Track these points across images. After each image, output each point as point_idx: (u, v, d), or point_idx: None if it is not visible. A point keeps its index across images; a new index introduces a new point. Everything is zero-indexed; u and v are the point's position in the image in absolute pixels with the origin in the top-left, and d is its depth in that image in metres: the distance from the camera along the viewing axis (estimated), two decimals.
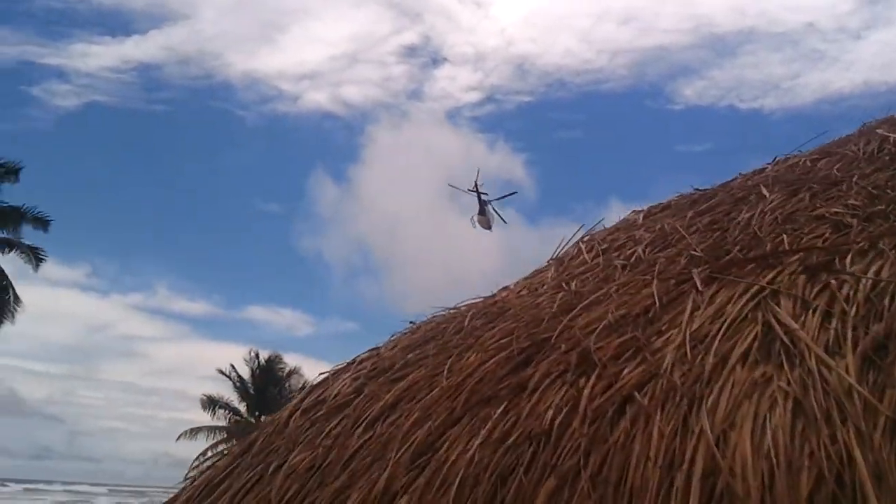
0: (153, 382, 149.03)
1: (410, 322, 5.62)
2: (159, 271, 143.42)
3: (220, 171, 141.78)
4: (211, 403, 57.55)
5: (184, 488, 4.67)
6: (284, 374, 59.90)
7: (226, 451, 6.55)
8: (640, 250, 5.02)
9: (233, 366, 58.88)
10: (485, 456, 3.25)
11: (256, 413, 58.76)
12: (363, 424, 3.91)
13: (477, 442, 3.35)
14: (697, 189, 6.51)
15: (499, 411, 3.48)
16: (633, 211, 6.57)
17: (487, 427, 3.40)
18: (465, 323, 4.65)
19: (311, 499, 3.61)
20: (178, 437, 56.59)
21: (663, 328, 3.70)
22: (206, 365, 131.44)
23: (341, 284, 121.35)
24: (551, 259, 6.08)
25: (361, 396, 4.21)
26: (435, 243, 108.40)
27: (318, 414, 4.28)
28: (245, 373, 58.98)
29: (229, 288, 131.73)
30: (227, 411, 58.23)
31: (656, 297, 3.96)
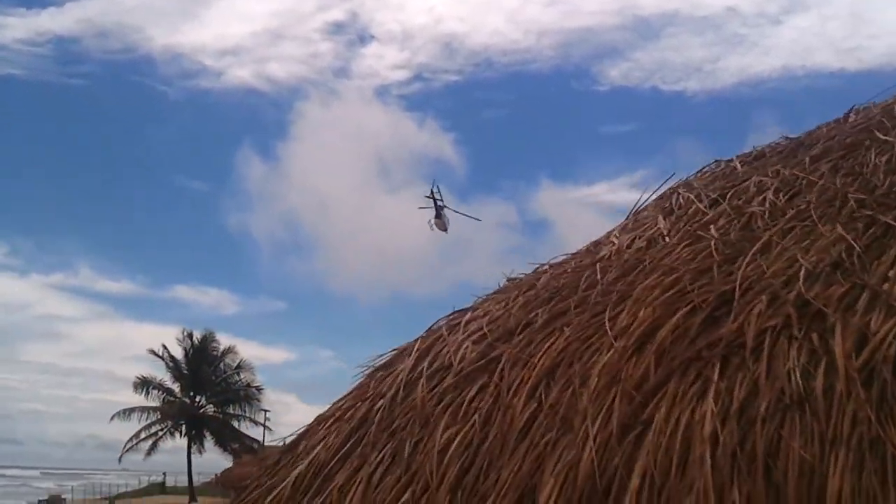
0: (75, 363, 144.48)
1: (509, 277, 4.94)
2: (80, 250, 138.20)
3: (143, 148, 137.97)
4: (144, 384, 55.85)
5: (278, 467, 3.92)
6: (219, 354, 58.44)
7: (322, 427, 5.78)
8: (770, 196, 4.42)
9: (165, 346, 57.20)
10: (731, 430, 2.61)
11: (191, 393, 57.28)
12: (522, 394, 3.22)
13: (706, 411, 2.70)
14: (785, 137, 5.94)
15: (718, 374, 2.84)
16: (714, 162, 5.98)
17: (715, 392, 2.76)
18: (598, 277, 3.98)
19: (486, 480, 2.92)
20: (112, 418, 54.85)
21: (889, 273, 3.12)
22: (131, 346, 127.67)
23: (270, 263, 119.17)
24: (636, 213, 5.44)
25: (499, 362, 3.52)
26: (365, 221, 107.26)
27: (446, 384, 3.57)
28: (178, 353, 57.26)
29: (154, 267, 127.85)
30: (160, 392, 56.54)
31: (855, 242, 3.38)
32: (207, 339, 58.31)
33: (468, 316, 4.26)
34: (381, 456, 3.31)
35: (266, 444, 56.51)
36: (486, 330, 3.90)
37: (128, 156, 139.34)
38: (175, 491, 66.15)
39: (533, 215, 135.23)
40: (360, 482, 3.24)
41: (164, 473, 70.95)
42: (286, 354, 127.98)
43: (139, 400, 56.06)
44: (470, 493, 2.93)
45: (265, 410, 59.72)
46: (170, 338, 58.35)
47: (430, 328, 4.46)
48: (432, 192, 47.29)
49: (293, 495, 3.43)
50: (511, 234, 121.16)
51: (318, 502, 3.08)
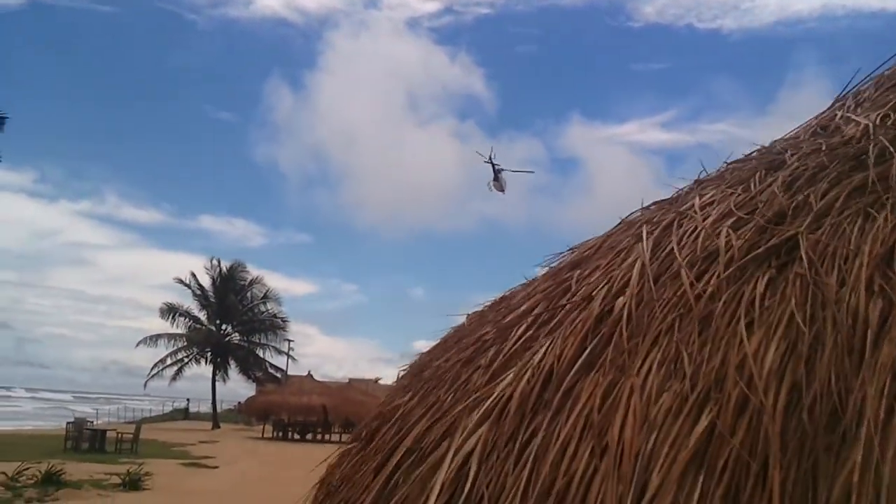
0: (102, 290, 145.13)
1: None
2: (108, 178, 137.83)
3: (171, 77, 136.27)
4: (170, 311, 55.55)
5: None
6: (246, 283, 57.95)
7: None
8: None
9: (193, 274, 56.69)
10: None
11: (217, 321, 57.01)
12: (857, 288, 2.15)
13: None
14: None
15: None
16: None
17: None
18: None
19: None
20: (138, 345, 54.69)
21: None
22: (157, 274, 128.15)
23: (296, 195, 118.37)
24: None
25: (789, 249, 2.45)
26: (392, 155, 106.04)
27: (710, 276, 2.52)
28: (205, 281, 56.81)
29: (180, 197, 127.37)
30: (187, 319, 56.23)
31: None
32: (235, 269, 57.85)
33: (697, 201, 3.15)
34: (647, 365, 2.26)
35: (289, 373, 56.62)
36: (738, 213, 2.81)
37: (156, 85, 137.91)
38: (198, 417, 66.61)
39: (562, 153, 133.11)
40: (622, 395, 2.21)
41: (188, 400, 71.49)
42: (309, 287, 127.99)
43: (165, 327, 56.04)
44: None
45: (289, 340, 59.51)
46: (195, 267, 58.11)
47: (623, 220, 3.38)
48: (490, 157, 50.67)
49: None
50: (539, 172, 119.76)
51: (561, 419, 2.04)
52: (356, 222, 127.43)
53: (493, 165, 50.77)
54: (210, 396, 57.96)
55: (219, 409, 57.99)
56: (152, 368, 54.46)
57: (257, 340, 58.18)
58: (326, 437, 45.88)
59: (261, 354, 58.30)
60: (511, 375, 2.15)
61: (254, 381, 57.27)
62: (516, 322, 2.64)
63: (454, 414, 2.27)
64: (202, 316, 57.28)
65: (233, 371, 57.76)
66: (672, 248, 2.40)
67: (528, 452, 1.90)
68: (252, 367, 57.52)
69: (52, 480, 17.69)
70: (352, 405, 46.87)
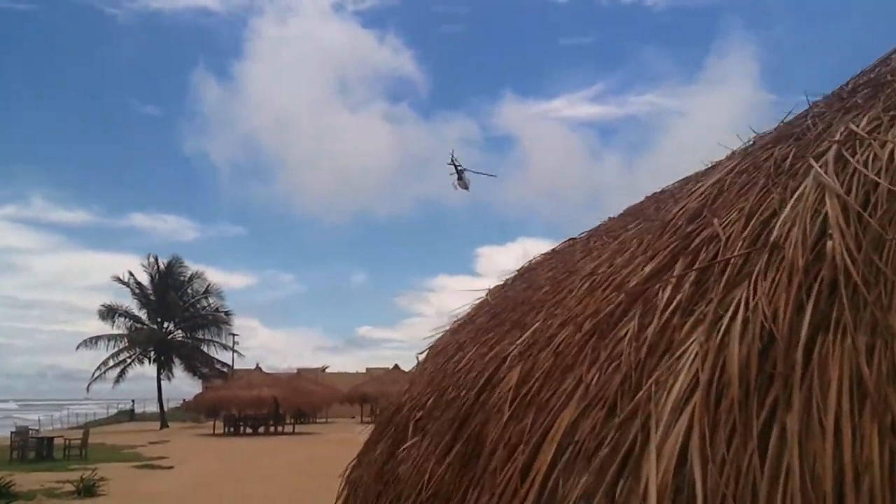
0: (34, 295, 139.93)
1: None
2: (32, 181, 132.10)
3: (93, 73, 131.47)
4: (110, 312, 53.72)
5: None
6: (186, 279, 56.37)
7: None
8: None
9: (131, 272, 54.89)
10: None
11: (158, 319, 55.39)
12: None
13: None
14: None
15: None
16: None
17: None
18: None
19: None
20: (78, 347, 52.82)
21: None
22: (89, 276, 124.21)
23: (228, 187, 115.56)
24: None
25: None
26: (326, 141, 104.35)
27: None
28: (144, 279, 55.08)
29: (109, 195, 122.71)
30: (127, 319, 54.48)
31: None
32: (174, 265, 56.21)
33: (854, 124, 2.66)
34: None
35: (236, 367, 55.39)
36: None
37: (77, 82, 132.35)
38: (144, 418, 64.87)
39: (496, 131, 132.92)
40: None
41: (133, 401, 69.54)
42: (247, 280, 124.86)
43: (103, 328, 54.18)
44: None
45: (234, 335, 58.16)
46: (128, 267, 56.40)
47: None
48: (452, 159, 54.71)
49: None
50: (474, 151, 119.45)
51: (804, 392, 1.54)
52: (292, 211, 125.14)
53: (456, 167, 54.56)
54: (155, 396, 56.25)
55: (165, 409, 56.37)
56: (94, 371, 52.66)
57: (201, 336, 56.69)
58: (279, 429, 44.88)
59: (206, 350, 56.84)
60: (714, 338, 1.62)
61: (200, 378, 55.83)
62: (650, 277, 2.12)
63: (618, 391, 1.74)
64: (143, 315, 55.60)
65: (178, 369, 56.21)
66: (860, 175, 1.90)
67: (769, 441, 1.39)
68: (197, 363, 56.02)
69: (2, 493, 16.65)
70: (302, 395, 46.06)
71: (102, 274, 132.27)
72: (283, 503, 16.71)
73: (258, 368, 48.69)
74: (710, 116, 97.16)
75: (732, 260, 1.84)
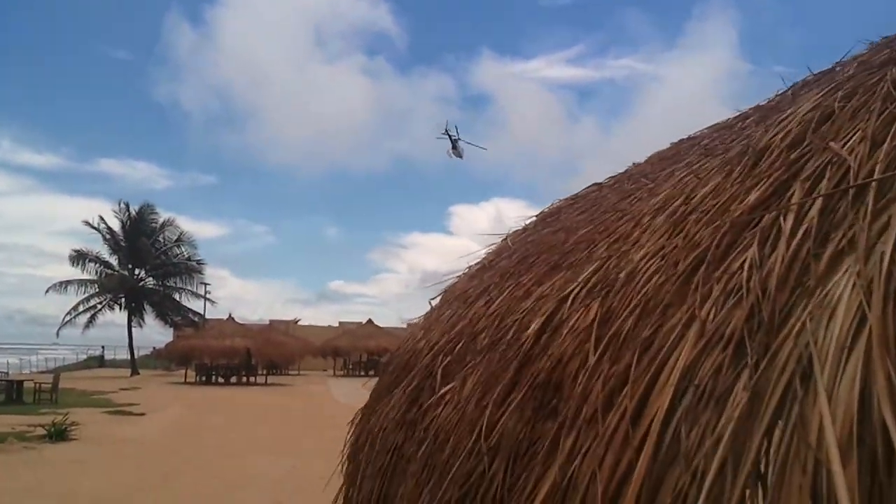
0: (1, 238, 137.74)
1: None
2: (1, 122, 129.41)
3: (64, 17, 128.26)
4: (80, 257, 52.95)
5: None
6: (158, 226, 55.51)
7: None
8: None
9: (102, 217, 54.00)
10: None
11: (130, 266, 54.66)
12: None
13: None
14: None
15: None
16: None
17: None
18: None
19: None
20: (47, 291, 52.08)
21: None
22: (58, 220, 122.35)
23: (200, 135, 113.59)
24: None
25: None
26: (300, 92, 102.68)
27: None
28: (115, 225, 54.18)
29: (79, 139, 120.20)
30: (97, 265, 53.72)
31: None
32: (145, 212, 55.23)
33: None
34: None
35: (207, 316, 55.00)
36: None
37: (47, 25, 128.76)
38: (114, 364, 64.38)
39: (473, 89, 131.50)
40: None
41: (103, 347, 69.05)
42: (218, 229, 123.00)
43: (72, 273, 53.42)
44: None
45: (206, 284, 57.62)
46: (97, 212, 55.22)
47: None
48: (447, 130, 57.84)
49: None
50: (450, 108, 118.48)
51: None
52: (265, 162, 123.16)
53: (450, 136, 58.03)
54: (126, 343, 55.75)
55: (136, 356, 55.89)
56: (64, 316, 51.97)
57: (173, 284, 56.03)
58: (252, 380, 44.70)
59: (177, 299, 56.26)
60: None
61: (171, 326, 55.30)
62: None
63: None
64: (113, 261, 54.80)
65: (149, 316, 55.57)
66: None
67: None
68: (169, 311, 55.42)
69: None
70: (275, 347, 45.90)
71: (71, 219, 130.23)
72: (259, 450, 16.55)
73: (231, 318, 48.36)
74: (687, 83, 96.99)
75: (873, 184, 1.59)
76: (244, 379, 44.31)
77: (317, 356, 54.20)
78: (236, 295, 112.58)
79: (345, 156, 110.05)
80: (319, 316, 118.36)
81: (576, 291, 2.31)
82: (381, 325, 57.24)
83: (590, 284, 2.27)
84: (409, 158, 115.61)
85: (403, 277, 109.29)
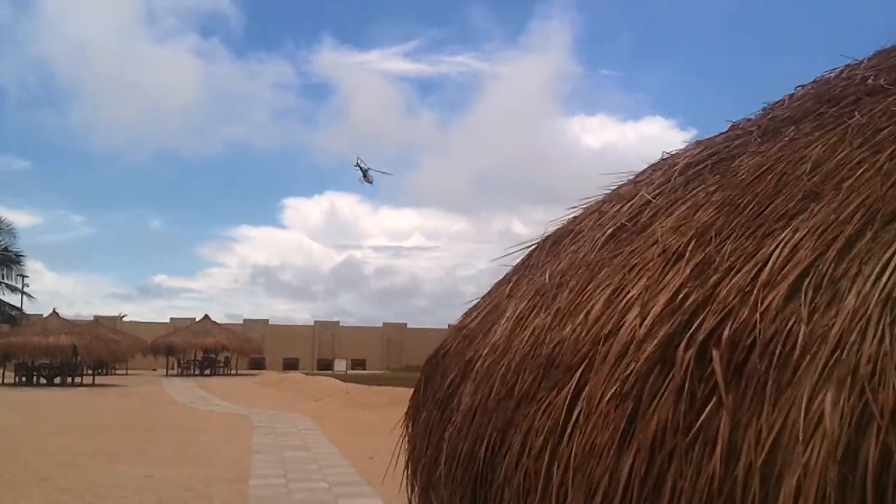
0: None
1: None
2: None
3: None
4: None
5: None
6: None
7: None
8: None
9: None
10: None
11: None
12: None
13: None
14: None
15: None
16: None
17: None
18: None
19: None
20: None
21: None
22: None
23: (14, 115, 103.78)
24: None
25: None
26: (129, 73, 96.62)
27: None
28: None
29: None
30: None
31: None
32: None
33: None
34: None
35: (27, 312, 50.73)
36: None
37: None
38: None
39: (313, 77, 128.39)
40: None
41: None
42: (32, 219, 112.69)
43: None
44: None
45: (24, 276, 53.07)
46: None
47: None
48: (357, 163, 63.33)
49: None
50: (288, 96, 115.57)
51: None
52: (87, 147, 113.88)
53: (362, 168, 63.64)
54: None
55: None
56: None
57: None
58: (79, 380, 41.47)
59: None
60: None
61: None
62: None
63: None
64: None
65: None
66: None
67: None
68: None
69: None
70: (105, 344, 42.86)
71: None
72: (105, 457, 15.03)
73: (55, 314, 44.71)
74: (524, 82, 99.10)
75: None
76: (69, 379, 41.04)
77: (147, 354, 51.24)
78: (51, 289, 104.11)
79: (173, 142, 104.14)
80: (142, 312, 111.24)
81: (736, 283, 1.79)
82: (220, 321, 55.00)
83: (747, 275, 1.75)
84: (243, 146, 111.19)
85: (233, 272, 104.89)
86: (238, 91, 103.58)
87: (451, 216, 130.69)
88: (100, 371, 46.19)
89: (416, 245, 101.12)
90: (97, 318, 53.86)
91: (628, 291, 1.97)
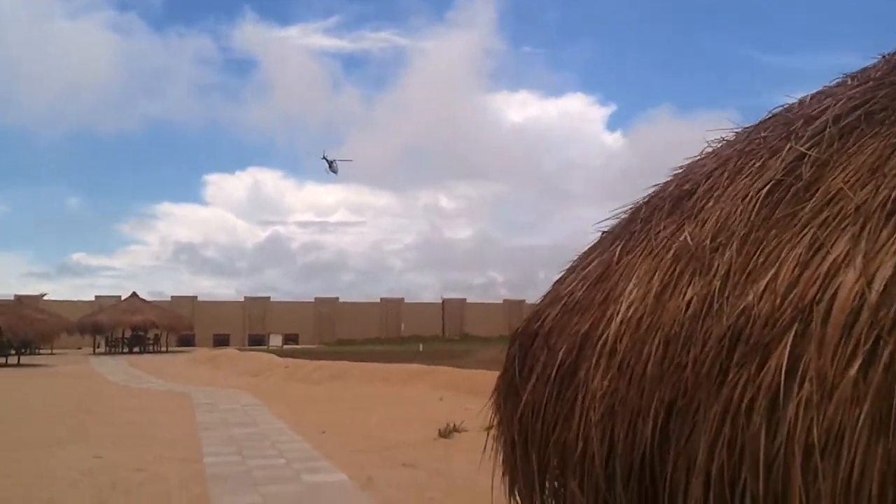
0: None
1: None
2: None
3: None
4: None
5: None
6: None
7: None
8: None
9: None
10: None
11: None
12: None
13: None
14: None
15: None
16: None
17: None
18: None
19: None
20: None
21: None
22: None
23: None
24: None
25: None
26: (40, 48, 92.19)
27: None
28: None
29: None
30: None
31: None
32: None
33: None
34: None
35: None
36: None
37: None
38: None
39: (235, 53, 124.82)
40: None
41: None
42: None
43: None
44: None
45: None
46: None
47: None
48: (324, 156, 67.40)
49: None
50: (210, 71, 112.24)
51: None
52: (0, 124, 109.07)
53: (327, 161, 67.63)
54: None
55: None
56: None
57: None
58: (2, 360, 39.71)
59: None
60: None
61: None
62: None
63: None
64: None
65: None
66: None
67: None
68: None
69: None
70: (30, 324, 41.16)
71: None
72: (46, 441, 14.32)
73: None
74: (448, 58, 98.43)
75: None
76: None
77: (73, 333, 49.46)
78: None
79: (90, 118, 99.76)
80: (62, 290, 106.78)
81: None
82: (150, 299, 53.44)
83: None
84: (163, 121, 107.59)
85: (155, 250, 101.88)
86: (157, 66, 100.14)
87: (377, 191, 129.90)
88: (24, 351, 44.38)
89: (341, 220, 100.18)
90: (18, 298, 51.64)
91: (826, 252, 1.76)
